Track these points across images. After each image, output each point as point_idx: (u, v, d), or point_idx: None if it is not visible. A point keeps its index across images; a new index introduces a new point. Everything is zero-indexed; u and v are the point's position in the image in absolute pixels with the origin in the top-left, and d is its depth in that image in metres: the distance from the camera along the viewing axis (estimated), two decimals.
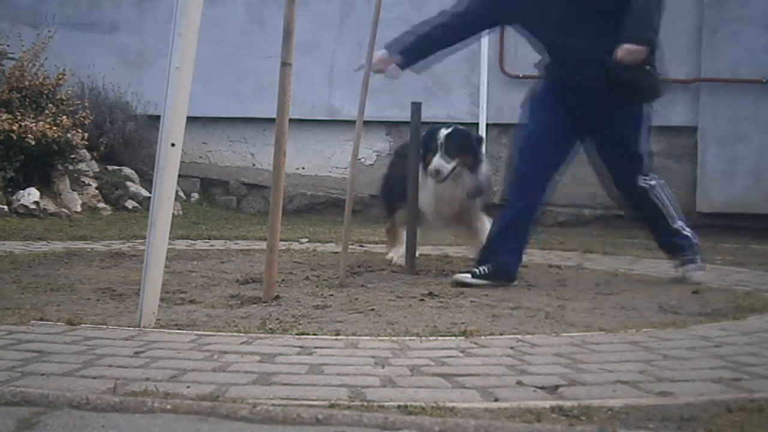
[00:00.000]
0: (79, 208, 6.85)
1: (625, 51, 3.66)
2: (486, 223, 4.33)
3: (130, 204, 7.38)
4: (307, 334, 2.60)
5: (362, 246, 5.49)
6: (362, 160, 8.37)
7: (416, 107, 4.42)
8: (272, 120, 3.44)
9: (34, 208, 6.47)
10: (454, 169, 4.18)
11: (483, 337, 2.60)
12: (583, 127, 4.03)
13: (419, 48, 4.10)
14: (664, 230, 4.14)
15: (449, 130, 4.24)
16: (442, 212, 4.37)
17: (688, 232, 4.17)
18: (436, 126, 4.34)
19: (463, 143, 4.27)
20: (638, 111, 3.97)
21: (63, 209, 6.72)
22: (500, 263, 3.92)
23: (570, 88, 3.94)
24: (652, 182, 4.08)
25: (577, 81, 3.90)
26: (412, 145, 4.38)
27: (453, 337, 2.58)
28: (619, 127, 3.98)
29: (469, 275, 3.87)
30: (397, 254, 4.59)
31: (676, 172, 8.08)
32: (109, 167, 7.79)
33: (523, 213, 4.00)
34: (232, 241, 5.76)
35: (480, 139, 4.52)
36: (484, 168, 4.42)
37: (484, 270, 3.89)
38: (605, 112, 3.92)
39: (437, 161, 4.16)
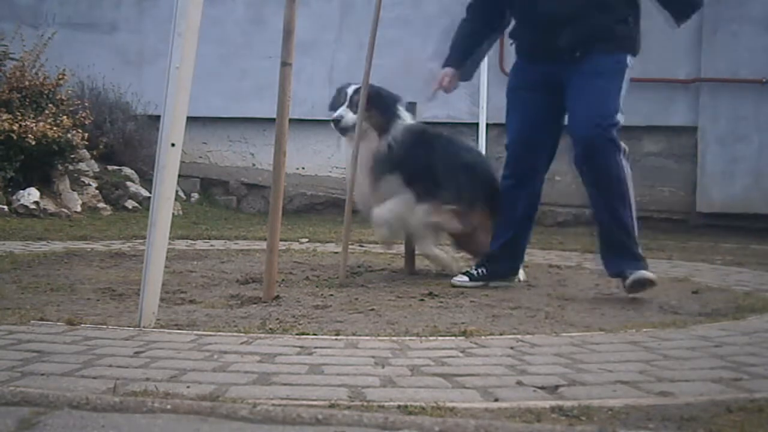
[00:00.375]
0: (79, 208, 6.85)
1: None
2: (389, 204, 3.97)
3: (130, 204, 7.38)
4: (307, 334, 2.60)
5: (362, 246, 5.50)
6: None
7: (411, 107, 4.44)
8: (272, 120, 3.45)
9: (34, 208, 6.47)
10: (360, 124, 3.93)
11: (483, 337, 2.60)
12: (561, 94, 3.75)
13: (463, 50, 4.09)
14: (627, 223, 3.62)
15: (359, 85, 4.05)
16: (358, 183, 4.04)
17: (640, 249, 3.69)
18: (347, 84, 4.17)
19: (373, 100, 4.01)
20: (616, 60, 3.67)
21: (63, 209, 6.72)
22: (501, 266, 3.89)
23: (539, 55, 3.77)
24: (622, 146, 3.65)
25: (548, 36, 3.68)
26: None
27: (453, 337, 2.58)
28: (597, 68, 3.64)
29: (467, 278, 3.84)
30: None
31: (676, 172, 8.10)
32: (109, 167, 7.80)
33: (523, 213, 3.90)
34: (232, 241, 5.77)
35: (395, 100, 4.15)
36: (399, 132, 4.01)
37: (482, 271, 3.86)
38: (581, 57, 3.66)
39: (340, 110, 4.03)
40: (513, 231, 3.90)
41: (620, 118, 3.62)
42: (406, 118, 4.14)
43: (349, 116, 4.01)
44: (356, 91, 4.03)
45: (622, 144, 3.63)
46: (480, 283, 3.81)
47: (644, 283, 3.50)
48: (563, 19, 3.65)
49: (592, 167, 3.62)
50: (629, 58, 3.69)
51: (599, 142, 3.57)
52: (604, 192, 3.63)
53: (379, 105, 4.05)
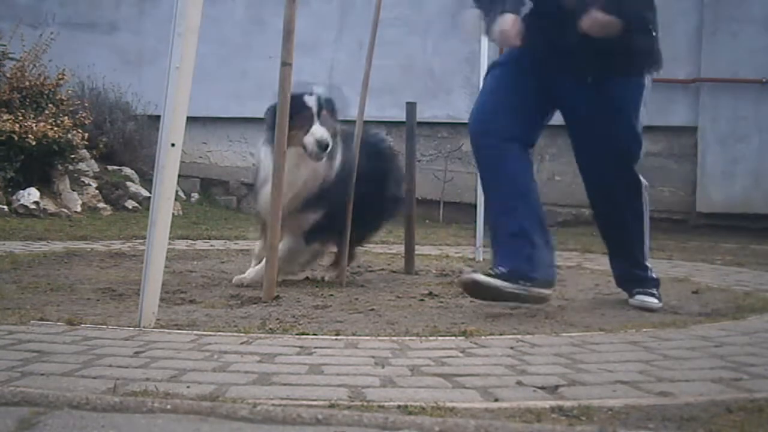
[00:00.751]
0: (79, 208, 6.86)
1: (594, 22, 2.97)
2: (290, 242, 3.54)
3: (130, 204, 7.38)
4: (307, 334, 2.60)
5: (362, 246, 5.49)
6: None
7: (411, 107, 4.42)
8: None
9: (34, 208, 6.48)
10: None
11: (483, 337, 2.60)
12: (559, 103, 3.26)
13: None
14: (638, 258, 3.40)
15: (321, 92, 3.50)
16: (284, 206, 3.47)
17: (654, 273, 3.45)
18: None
19: (336, 112, 3.56)
20: (637, 83, 3.20)
21: (63, 209, 6.73)
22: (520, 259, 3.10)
23: (548, 54, 3.16)
24: (645, 182, 3.36)
25: (559, 44, 3.11)
26: (408, 144, 4.37)
27: (453, 337, 2.58)
28: (613, 103, 3.16)
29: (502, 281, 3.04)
30: (252, 275, 3.65)
31: (676, 172, 8.11)
32: (109, 167, 7.81)
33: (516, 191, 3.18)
34: (232, 241, 5.77)
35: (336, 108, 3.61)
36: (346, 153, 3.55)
37: (500, 270, 3.06)
38: (594, 85, 3.13)
39: (321, 130, 3.38)
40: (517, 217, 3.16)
41: (642, 149, 3.26)
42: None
43: (329, 140, 3.41)
44: (321, 103, 3.49)
45: (644, 180, 3.32)
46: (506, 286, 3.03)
47: (648, 309, 3.26)
48: (578, 17, 3.03)
49: (611, 212, 3.36)
50: (648, 77, 3.22)
51: (620, 188, 3.28)
52: (620, 231, 3.41)
53: (336, 121, 3.55)
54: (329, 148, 3.39)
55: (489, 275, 3.03)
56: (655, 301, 3.32)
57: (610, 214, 3.42)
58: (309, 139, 3.39)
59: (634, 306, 3.32)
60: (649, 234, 3.46)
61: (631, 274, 3.43)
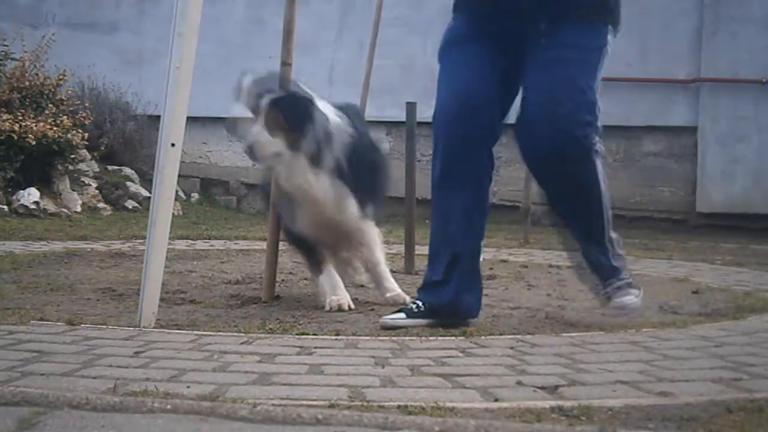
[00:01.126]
0: (79, 208, 6.86)
1: None
2: (374, 236, 3.30)
3: (130, 204, 7.39)
4: (307, 334, 2.60)
5: None
6: None
7: (411, 107, 4.41)
8: None
9: (34, 208, 6.48)
10: (283, 152, 3.02)
11: (483, 337, 2.60)
12: (518, 59, 2.85)
13: None
14: (598, 237, 2.94)
15: (279, 95, 3.08)
16: (313, 223, 3.18)
17: (621, 248, 3.02)
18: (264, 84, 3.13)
19: (293, 114, 3.05)
20: (591, 36, 2.83)
21: (63, 209, 6.73)
22: (444, 296, 2.81)
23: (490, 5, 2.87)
24: (599, 148, 2.84)
25: None
26: (407, 144, 4.37)
27: (453, 337, 2.58)
28: (565, 52, 2.79)
29: (403, 315, 2.79)
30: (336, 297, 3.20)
31: (676, 172, 8.11)
32: (109, 167, 7.81)
33: (470, 206, 2.84)
34: (232, 241, 5.77)
35: (310, 107, 3.11)
36: (337, 143, 3.12)
37: (420, 306, 2.81)
38: (545, 31, 2.80)
39: (256, 133, 3.00)
40: (453, 248, 2.84)
41: (599, 112, 2.82)
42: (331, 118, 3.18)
43: (266, 144, 3.00)
44: (272, 102, 3.04)
45: (600, 146, 2.85)
46: (421, 322, 2.77)
47: (631, 311, 2.95)
48: None
49: (560, 179, 2.88)
50: (610, 34, 2.86)
51: (572, 149, 2.79)
52: (575, 209, 2.96)
53: (298, 122, 3.06)
54: (262, 154, 3.01)
55: (411, 311, 2.80)
56: (633, 298, 2.94)
57: (565, 194, 2.94)
58: (245, 142, 3.03)
59: (616, 309, 2.96)
60: (611, 216, 2.97)
61: (600, 265, 2.97)
